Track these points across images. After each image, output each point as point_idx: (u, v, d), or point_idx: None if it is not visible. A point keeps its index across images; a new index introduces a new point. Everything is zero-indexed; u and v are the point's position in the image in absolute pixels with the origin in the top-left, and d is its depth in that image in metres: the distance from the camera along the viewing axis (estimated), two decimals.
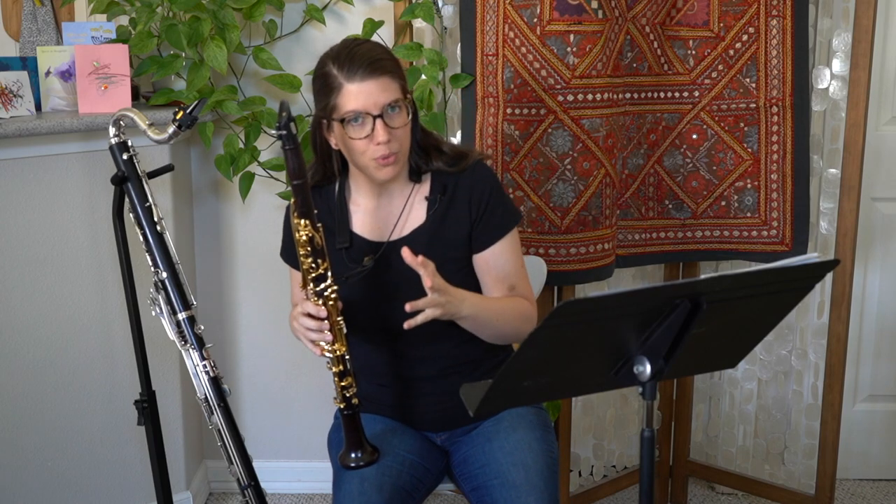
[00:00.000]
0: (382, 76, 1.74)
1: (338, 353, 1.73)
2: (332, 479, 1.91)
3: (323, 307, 1.71)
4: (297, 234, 1.68)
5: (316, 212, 1.69)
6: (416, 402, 1.93)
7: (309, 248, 1.68)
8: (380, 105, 1.74)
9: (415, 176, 1.87)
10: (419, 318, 1.70)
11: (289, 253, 1.94)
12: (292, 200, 1.69)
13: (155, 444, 2.07)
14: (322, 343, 1.72)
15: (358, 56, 1.74)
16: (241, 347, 2.89)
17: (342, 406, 1.76)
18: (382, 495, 1.77)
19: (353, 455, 1.78)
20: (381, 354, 1.92)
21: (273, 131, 1.62)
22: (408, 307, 1.69)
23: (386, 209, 1.89)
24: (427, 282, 1.67)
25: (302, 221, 1.67)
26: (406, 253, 1.70)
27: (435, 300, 1.70)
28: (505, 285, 1.88)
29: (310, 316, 1.71)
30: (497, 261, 1.88)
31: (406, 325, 1.70)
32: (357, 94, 1.73)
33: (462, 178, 1.87)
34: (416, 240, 1.85)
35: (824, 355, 2.54)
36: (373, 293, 1.86)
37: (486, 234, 1.87)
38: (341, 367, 1.74)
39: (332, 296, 1.71)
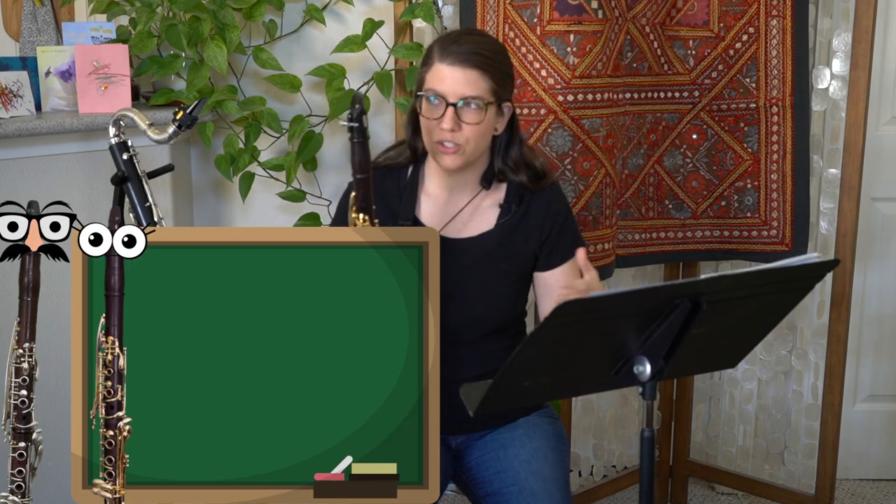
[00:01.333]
0: (472, 69, 1.76)
1: None
2: None
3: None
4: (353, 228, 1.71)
5: (374, 207, 1.72)
6: (442, 404, 1.92)
7: None
8: (458, 95, 1.75)
9: (485, 182, 1.88)
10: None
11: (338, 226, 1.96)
12: (353, 194, 1.71)
13: None
14: None
15: (461, 43, 1.78)
16: None
17: None
18: None
19: None
20: None
21: (343, 122, 1.68)
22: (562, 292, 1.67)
23: (454, 205, 1.90)
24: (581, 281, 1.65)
25: (360, 216, 1.70)
26: (581, 255, 1.66)
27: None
28: None
29: None
30: (560, 282, 1.88)
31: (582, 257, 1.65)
32: (443, 76, 1.76)
33: (538, 195, 1.89)
34: (482, 245, 1.87)
35: (824, 355, 2.54)
36: None
37: (555, 255, 1.89)
38: None
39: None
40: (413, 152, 1.91)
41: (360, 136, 1.66)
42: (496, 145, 1.86)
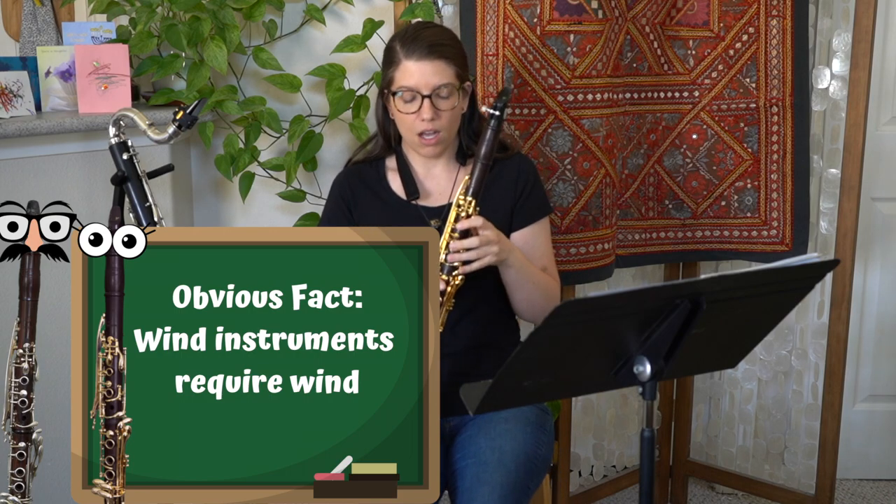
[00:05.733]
0: (438, 60, 1.89)
1: (439, 330, 1.79)
2: None
3: (446, 284, 1.82)
4: (457, 210, 1.86)
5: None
6: (441, 384, 1.92)
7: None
8: (431, 86, 1.89)
9: (461, 158, 2.02)
10: (475, 265, 1.84)
11: (332, 223, 2.04)
12: (466, 178, 1.87)
13: None
14: None
15: (421, 38, 1.91)
16: None
17: None
18: None
19: None
20: None
21: (488, 109, 1.88)
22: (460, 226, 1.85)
23: (436, 179, 2.03)
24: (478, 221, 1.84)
25: (468, 199, 1.86)
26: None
27: (486, 236, 1.84)
28: (539, 266, 2.01)
29: None
30: (535, 240, 2.02)
31: (461, 271, 1.83)
32: (412, 72, 1.89)
33: (508, 161, 2.01)
34: None
35: (824, 355, 2.53)
36: None
37: (528, 212, 2.01)
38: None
39: (458, 280, 1.84)
40: (388, 142, 2.04)
41: (497, 126, 1.85)
42: (462, 123, 2.00)
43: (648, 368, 1.40)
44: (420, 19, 2.35)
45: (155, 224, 1.98)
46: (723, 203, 2.52)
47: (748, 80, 2.45)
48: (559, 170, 2.33)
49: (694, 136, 2.50)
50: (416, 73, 1.88)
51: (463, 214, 1.85)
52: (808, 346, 2.70)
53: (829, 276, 2.49)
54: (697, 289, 1.35)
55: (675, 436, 2.82)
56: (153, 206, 1.99)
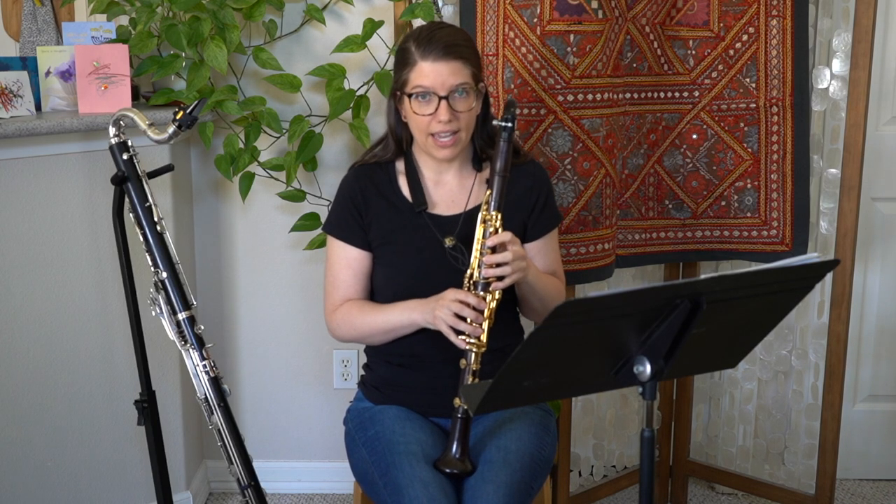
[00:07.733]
0: (455, 60, 1.85)
1: (482, 349, 1.80)
2: (334, 480, 1.91)
3: (484, 301, 1.80)
4: (484, 226, 1.83)
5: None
6: (436, 385, 1.93)
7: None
8: (447, 86, 1.85)
9: (476, 164, 2.00)
10: (507, 281, 1.82)
11: (343, 227, 2.00)
12: (488, 192, 1.84)
13: (155, 444, 2.07)
14: (465, 337, 1.80)
15: (436, 38, 1.86)
16: (241, 347, 2.89)
17: (466, 407, 1.80)
18: (449, 499, 1.78)
19: (457, 459, 1.81)
20: (414, 332, 1.92)
21: (496, 122, 1.87)
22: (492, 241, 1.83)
23: (448, 186, 2.00)
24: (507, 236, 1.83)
25: (494, 214, 1.83)
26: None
27: (517, 250, 1.83)
28: (550, 270, 2.04)
29: (468, 307, 1.79)
30: (547, 247, 2.04)
31: (493, 287, 1.81)
32: (428, 72, 1.85)
33: (522, 167, 2.00)
34: (476, 215, 1.93)
35: (824, 355, 2.53)
36: (426, 267, 1.91)
37: (542, 223, 2.02)
38: (479, 366, 1.81)
39: (498, 295, 1.82)
40: (398, 145, 2.00)
41: (509, 137, 1.82)
42: (476, 126, 1.96)
43: (648, 368, 1.40)
44: (436, 20, 2.35)
45: (155, 224, 1.98)
46: (723, 203, 2.52)
47: (748, 80, 2.45)
48: (559, 170, 2.33)
49: (694, 136, 2.50)
50: (432, 73, 1.84)
51: (491, 230, 1.83)
52: (808, 346, 2.70)
53: (829, 276, 2.49)
54: (697, 289, 1.35)
55: (675, 436, 2.82)
56: (153, 206, 1.99)
